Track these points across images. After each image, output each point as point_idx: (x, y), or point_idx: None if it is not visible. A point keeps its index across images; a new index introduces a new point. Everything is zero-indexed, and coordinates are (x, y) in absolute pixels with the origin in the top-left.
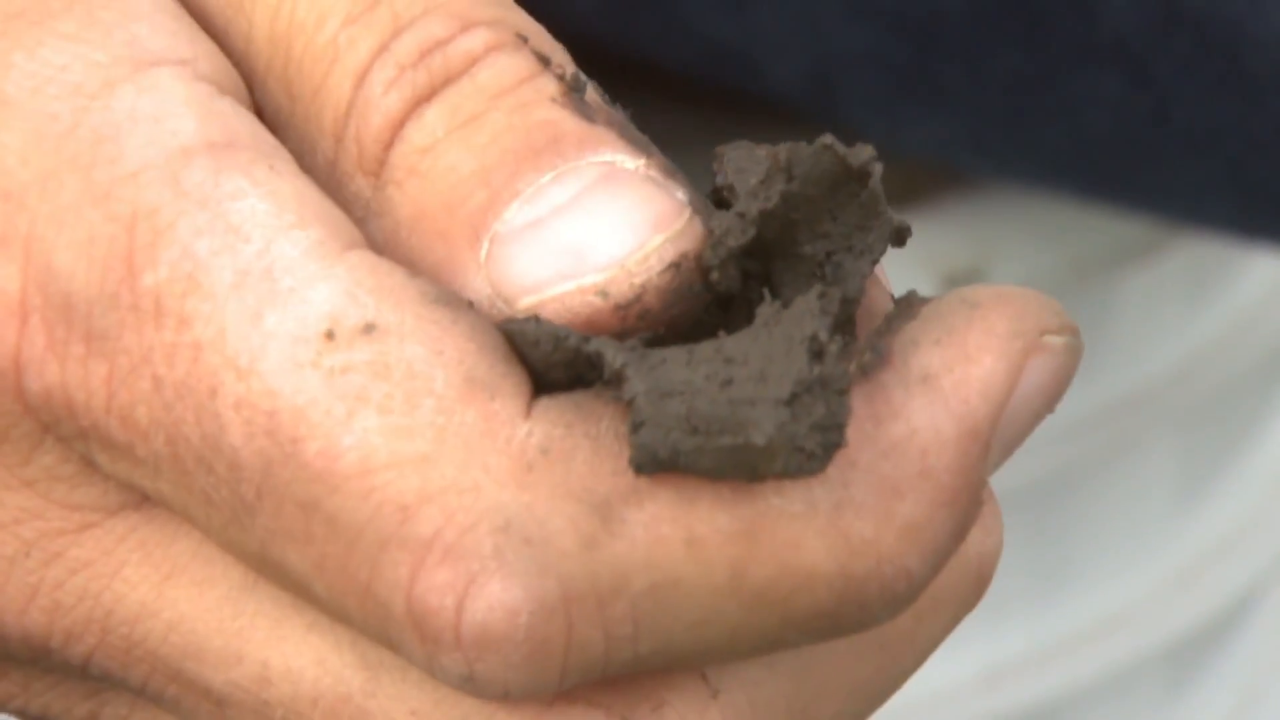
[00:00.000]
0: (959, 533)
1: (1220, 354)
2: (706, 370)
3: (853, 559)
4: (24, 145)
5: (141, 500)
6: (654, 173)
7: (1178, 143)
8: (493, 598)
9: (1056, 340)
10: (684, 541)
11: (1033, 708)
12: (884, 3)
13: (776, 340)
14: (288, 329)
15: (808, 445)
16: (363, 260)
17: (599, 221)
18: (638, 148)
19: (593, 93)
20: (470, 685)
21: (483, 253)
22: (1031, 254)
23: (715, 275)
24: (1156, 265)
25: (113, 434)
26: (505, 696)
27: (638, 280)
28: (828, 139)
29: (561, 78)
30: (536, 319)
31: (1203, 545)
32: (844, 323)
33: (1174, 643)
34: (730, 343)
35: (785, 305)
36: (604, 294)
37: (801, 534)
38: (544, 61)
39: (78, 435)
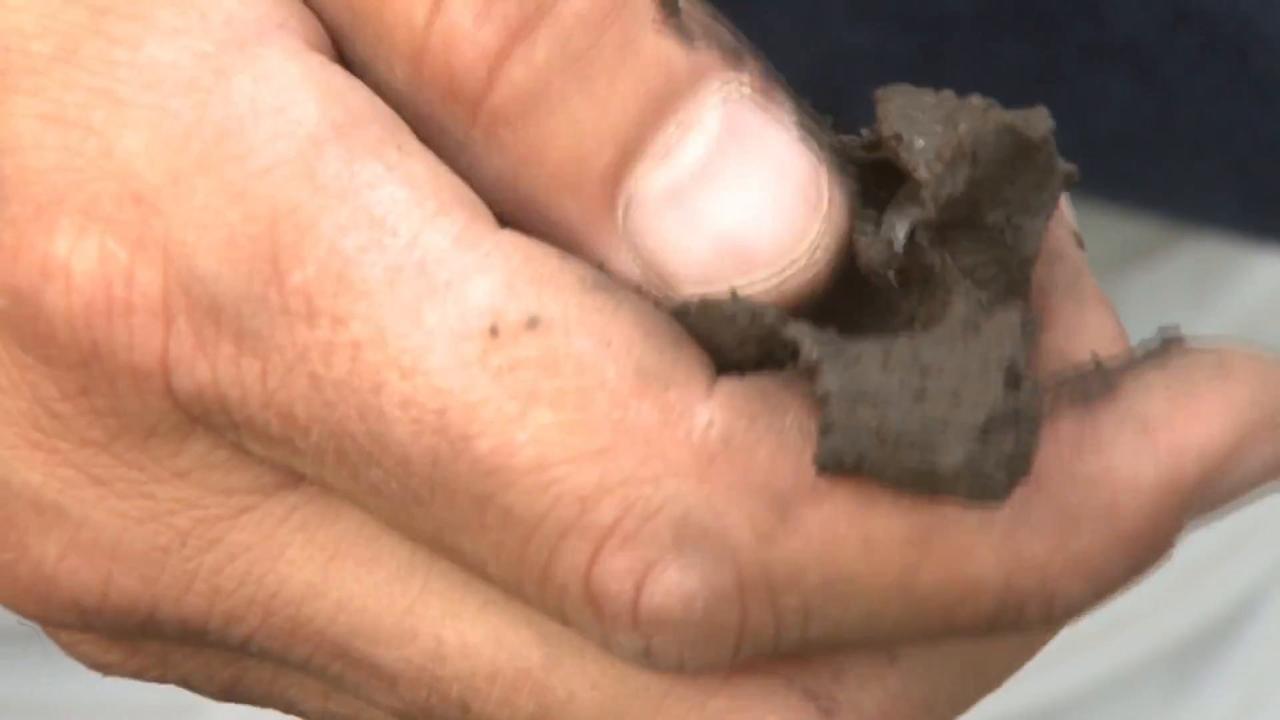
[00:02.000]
0: (1135, 573)
1: None
2: (901, 377)
3: (1018, 575)
4: (148, 147)
5: (298, 480)
6: (760, 96)
7: (1184, 142)
8: (670, 584)
9: None
10: (859, 542)
11: (1035, 709)
12: (892, 3)
13: (973, 356)
14: (450, 326)
15: (994, 475)
16: (515, 246)
17: (745, 196)
18: (737, 59)
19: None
20: (646, 659)
21: (619, 217)
22: None
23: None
24: (1161, 267)
25: (270, 428)
26: (680, 669)
27: (811, 273)
28: (1012, 117)
29: None
30: (734, 295)
31: (1204, 546)
32: (1020, 283)
33: (1176, 645)
34: (926, 347)
35: (984, 307)
36: (781, 290)
37: (974, 545)
38: None
39: (230, 428)
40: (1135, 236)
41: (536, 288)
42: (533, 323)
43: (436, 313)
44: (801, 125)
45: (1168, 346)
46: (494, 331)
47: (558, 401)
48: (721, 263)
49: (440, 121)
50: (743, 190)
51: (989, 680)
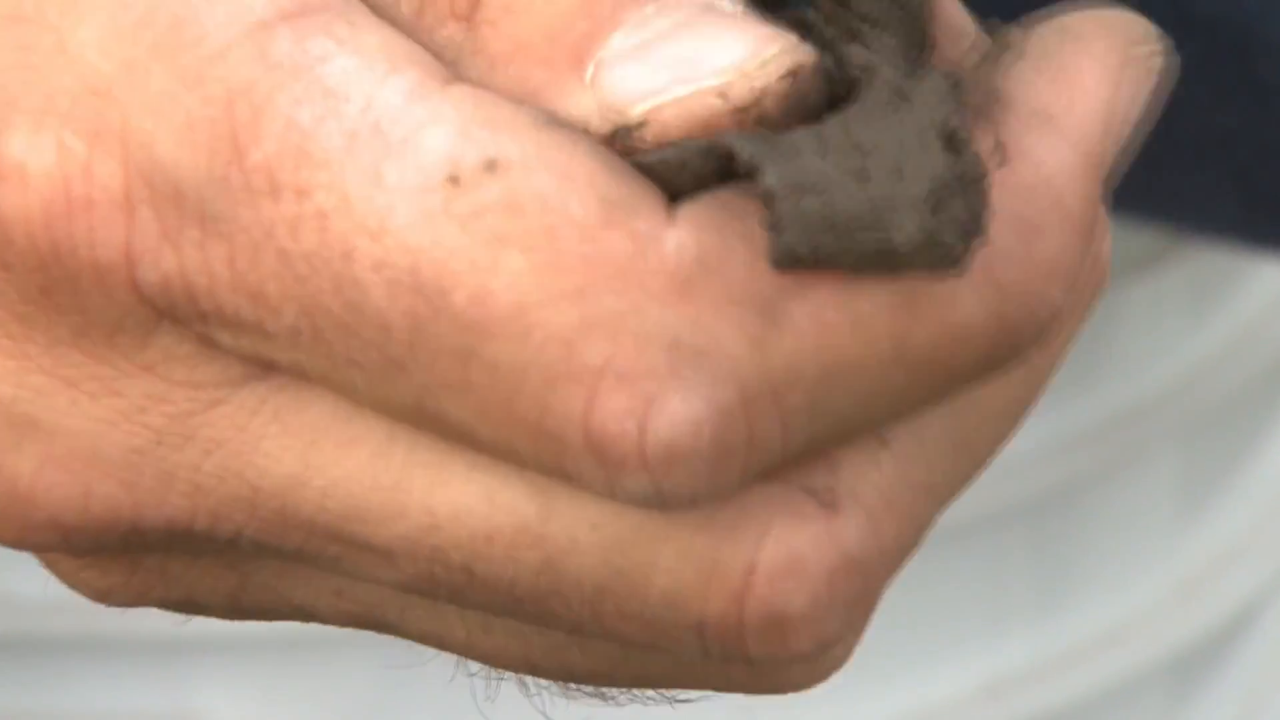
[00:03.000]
0: (1088, 250)
1: (1223, 366)
2: (840, 160)
3: (1005, 304)
4: (101, 38)
5: (265, 370)
6: (747, 11)
7: (1185, 150)
8: (675, 414)
9: (1143, 51)
10: (850, 324)
11: (1036, 719)
12: None
13: (908, 126)
14: (411, 181)
15: (950, 242)
16: (466, 94)
17: (710, 39)
18: None
19: None
20: (658, 499)
21: (587, 75)
22: None
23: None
24: (1159, 277)
25: (241, 312)
26: (693, 505)
27: (757, 84)
28: None
29: None
30: (674, 144)
31: (1205, 557)
32: (915, 33)
33: (1177, 654)
34: (858, 124)
35: (909, 72)
36: (723, 96)
37: (956, 291)
38: None
39: (197, 318)
40: (1131, 248)
41: (491, 131)
42: (491, 165)
43: (396, 170)
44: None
45: (1005, 37)
46: (454, 180)
47: (526, 243)
48: (668, 74)
49: (439, 45)
50: (708, 36)
51: (980, 454)
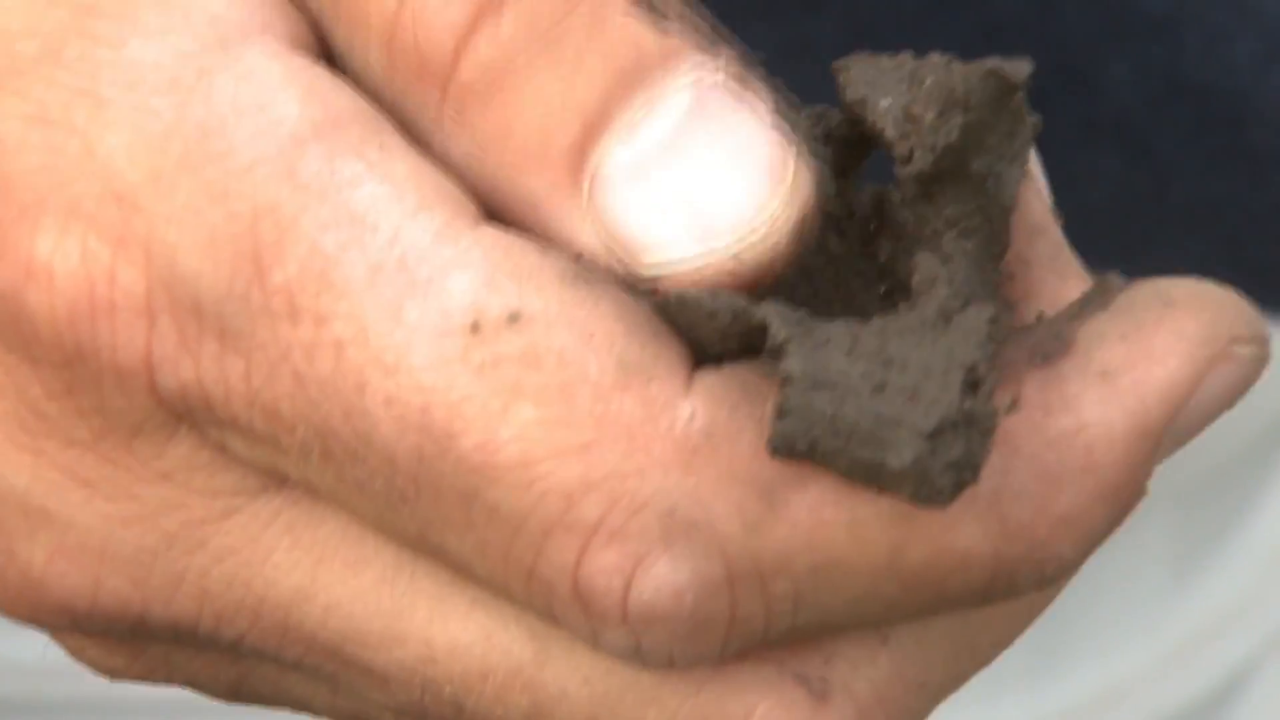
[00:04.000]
0: (1117, 521)
1: (1216, 432)
2: (864, 367)
3: (1007, 544)
4: (129, 145)
5: (282, 483)
6: (735, 83)
7: (1177, 218)
8: (660, 578)
9: (1244, 350)
10: (846, 524)
11: None
12: None
13: (939, 352)
14: (431, 323)
15: (939, 481)
16: (496, 240)
17: (710, 172)
18: (711, 45)
19: None
20: (637, 656)
21: (584, 191)
22: None
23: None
24: None
25: (254, 426)
26: (671, 665)
27: (770, 243)
28: (994, 64)
29: None
30: (713, 291)
31: (1199, 621)
32: (999, 232)
33: (1170, 718)
34: (894, 337)
35: (957, 296)
36: (739, 259)
37: (959, 518)
38: None
39: (214, 425)
40: None
41: (517, 282)
42: (514, 318)
43: (418, 309)
44: (776, 111)
45: (1105, 289)
46: (475, 327)
47: (540, 397)
48: (681, 231)
49: (413, 105)
50: (707, 166)
51: (982, 656)
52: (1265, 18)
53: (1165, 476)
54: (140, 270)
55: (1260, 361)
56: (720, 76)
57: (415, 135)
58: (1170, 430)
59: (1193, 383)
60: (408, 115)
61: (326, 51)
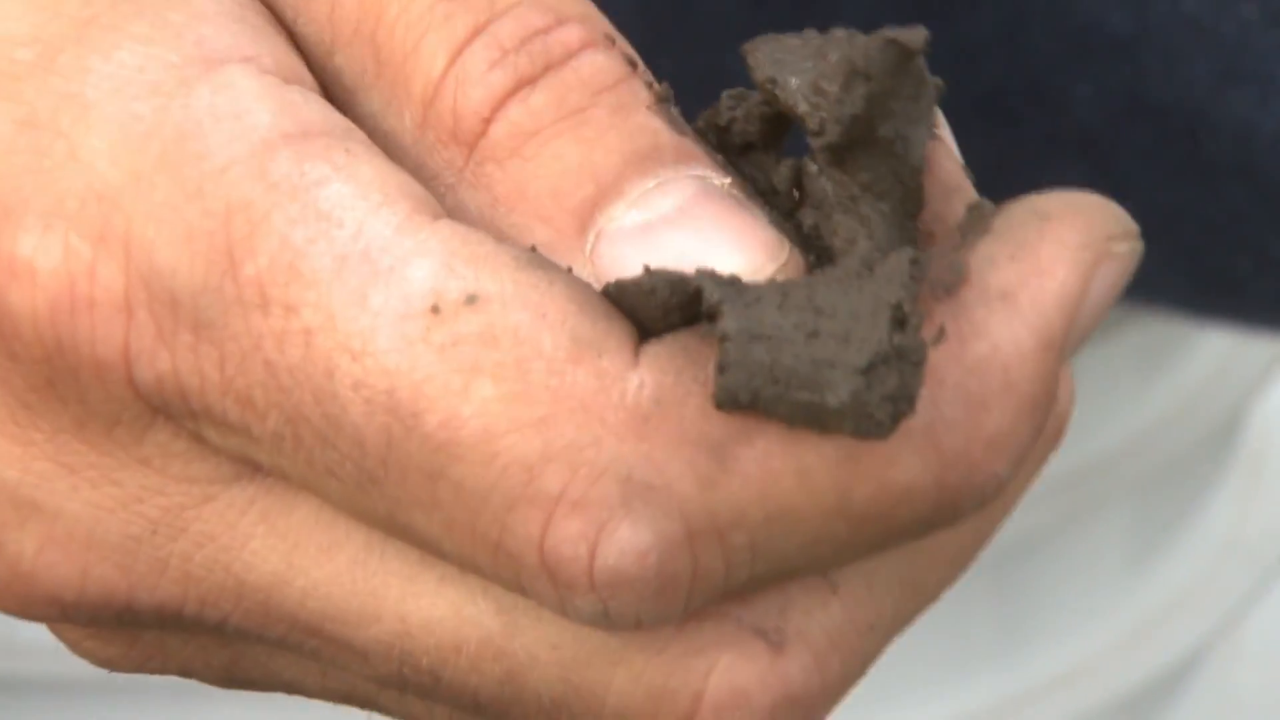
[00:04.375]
0: (1039, 431)
1: (1171, 427)
2: (796, 318)
3: (946, 471)
4: (111, 146)
5: (255, 471)
6: (738, 192)
7: (1136, 224)
8: (624, 543)
9: (1121, 247)
10: (794, 472)
11: None
12: None
13: (865, 298)
14: (394, 308)
15: (877, 414)
16: (453, 231)
17: (709, 238)
18: (720, 166)
19: (674, 108)
20: (605, 620)
21: (588, 244)
22: None
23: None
24: (1112, 344)
25: (228, 415)
26: (637, 626)
27: None
28: (890, 33)
29: (650, 86)
30: (648, 269)
31: (1155, 605)
32: (913, 191)
33: (1129, 695)
34: (822, 289)
35: (879, 249)
36: None
37: (898, 452)
38: (632, 65)
39: (189, 416)
40: None
41: (474, 267)
42: (471, 299)
43: (381, 296)
44: (773, 224)
45: (979, 210)
46: (435, 310)
47: (498, 373)
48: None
49: (438, 162)
50: (709, 240)
51: (928, 595)
52: (1221, 41)
53: (1123, 470)
54: (119, 266)
55: (1137, 252)
56: (726, 182)
57: (435, 190)
58: (1072, 334)
59: (1083, 286)
60: (431, 171)
61: (348, 110)
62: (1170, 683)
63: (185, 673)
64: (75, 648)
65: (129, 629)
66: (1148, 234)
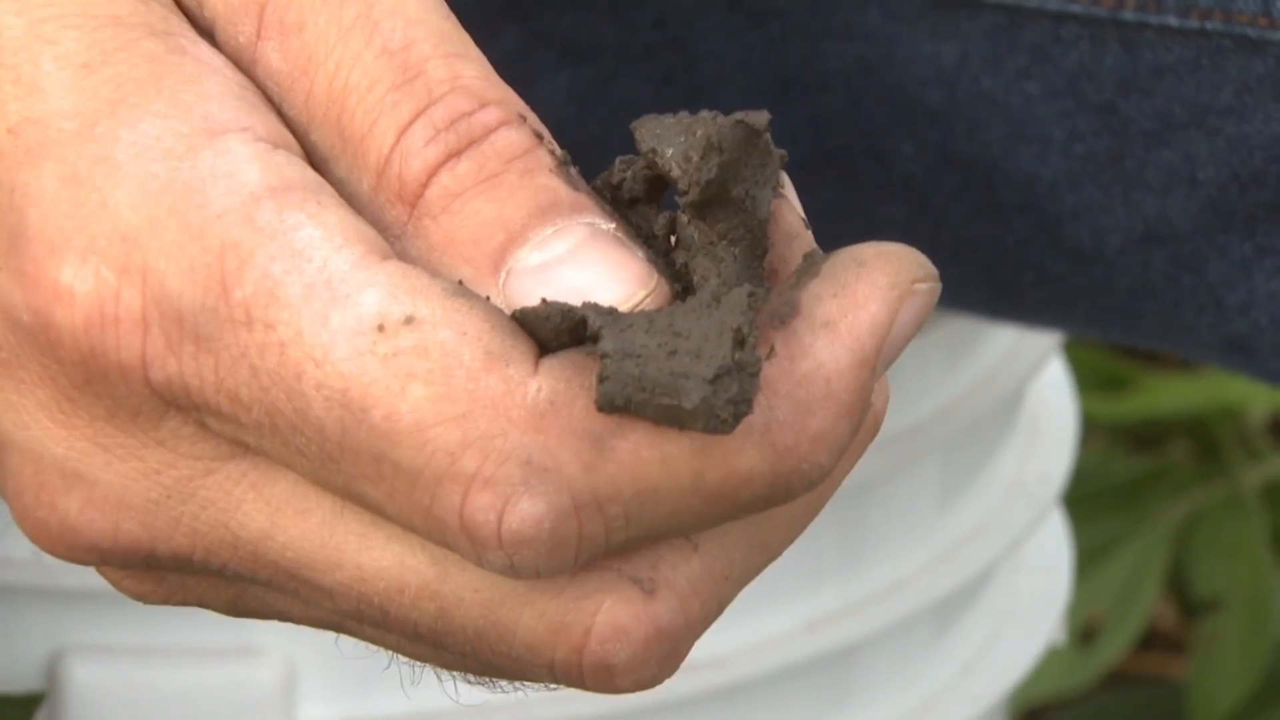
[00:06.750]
0: (856, 429)
1: (970, 399)
2: (660, 339)
3: (779, 461)
4: (132, 198)
5: (245, 451)
6: (621, 234)
7: (947, 252)
8: (524, 512)
9: (922, 287)
10: (658, 460)
11: (842, 647)
12: None
13: (713, 323)
14: (349, 326)
15: (722, 414)
16: (397, 267)
17: (594, 272)
18: (608, 214)
19: (573, 169)
20: (511, 571)
21: (501, 280)
22: None
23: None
24: (927, 336)
25: (221, 408)
26: (538, 576)
27: None
28: (739, 115)
29: (553, 153)
30: (545, 300)
31: (959, 533)
32: (760, 238)
33: (939, 601)
34: (680, 316)
35: (726, 285)
36: None
37: (741, 446)
38: (539, 137)
39: (193, 408)
40: None
41: (411, 296)
42: (409, 320)
43: (339, 316)
44: (649, 260)
45: (812, 260)
46: (381, 329)
47: (429, 378)
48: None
49: (388, 218)
50: (595, 274)
51: (772, 552)
52: (1010, 111)
53: (934, 431)
54: (138, 291)
55: (936, 291)
56: (611, 227)
57: (386, 238)
58: (881, 354)
59: (891, 317)
60: (384, 224)
61: (320, 171)
62: (971, 590)
63: (200, 604)
64: (117, 585)
65: (154, 571)
66: (956, 256)
